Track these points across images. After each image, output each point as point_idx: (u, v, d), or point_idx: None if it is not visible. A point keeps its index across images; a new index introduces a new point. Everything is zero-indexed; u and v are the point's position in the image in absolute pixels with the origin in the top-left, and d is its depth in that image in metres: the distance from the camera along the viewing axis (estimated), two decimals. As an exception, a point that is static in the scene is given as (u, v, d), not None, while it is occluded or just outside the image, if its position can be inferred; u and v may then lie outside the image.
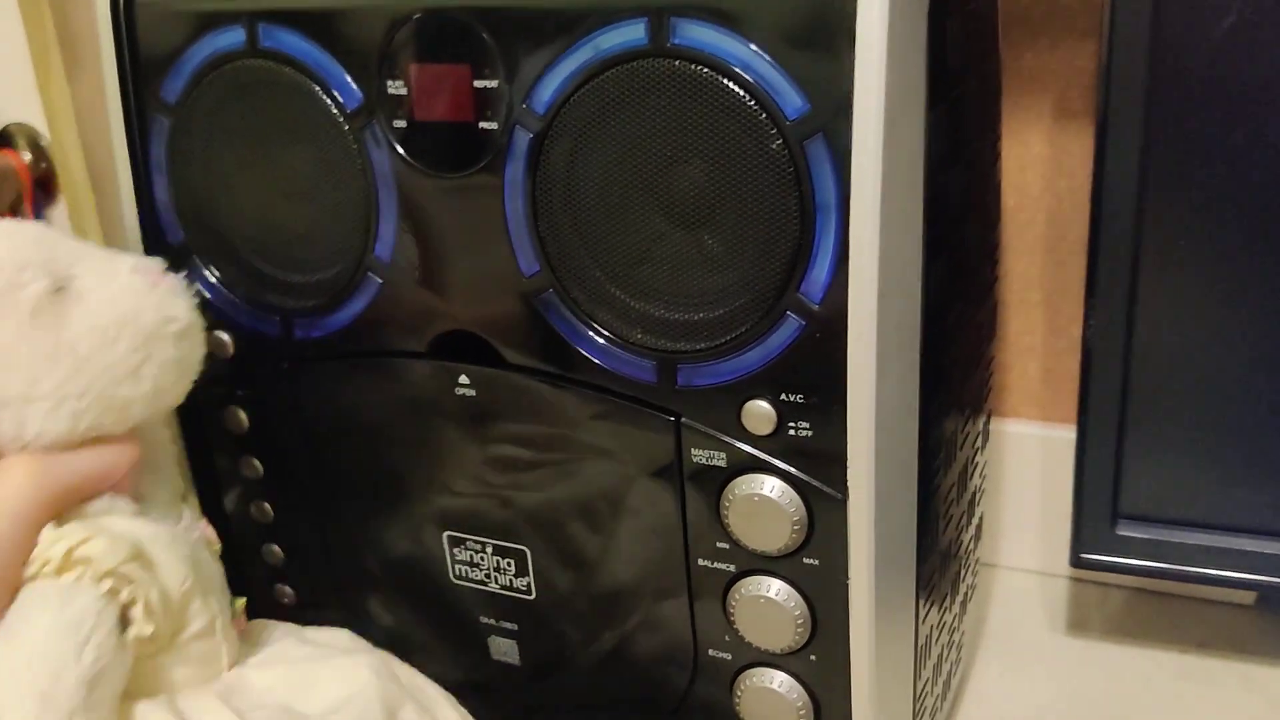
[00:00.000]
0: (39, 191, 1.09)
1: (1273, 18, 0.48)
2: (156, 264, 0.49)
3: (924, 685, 0.53)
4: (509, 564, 0.54)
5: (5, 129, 1.10)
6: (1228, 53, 0.49)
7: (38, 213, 1.10)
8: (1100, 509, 0.59)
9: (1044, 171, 0.69)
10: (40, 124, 1.06)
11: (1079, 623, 0.71)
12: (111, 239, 0.66)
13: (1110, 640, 0.69)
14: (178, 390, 0.49)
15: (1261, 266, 0.52)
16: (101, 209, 0.69)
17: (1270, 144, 0.50)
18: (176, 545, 0.46)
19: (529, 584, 0.54)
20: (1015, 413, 0.75)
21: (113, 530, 0.44)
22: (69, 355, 0.44)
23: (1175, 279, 0.54)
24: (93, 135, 0.66)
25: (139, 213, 0.56)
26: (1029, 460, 0.74)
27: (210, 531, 0.52)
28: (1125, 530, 0.59)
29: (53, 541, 0.43)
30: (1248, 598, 0.71)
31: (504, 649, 0.56)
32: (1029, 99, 0.68)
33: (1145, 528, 0.59)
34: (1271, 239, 0.51)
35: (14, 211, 1.08)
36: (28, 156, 1.07)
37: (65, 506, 0.45)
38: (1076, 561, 0.60)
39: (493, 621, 0.56)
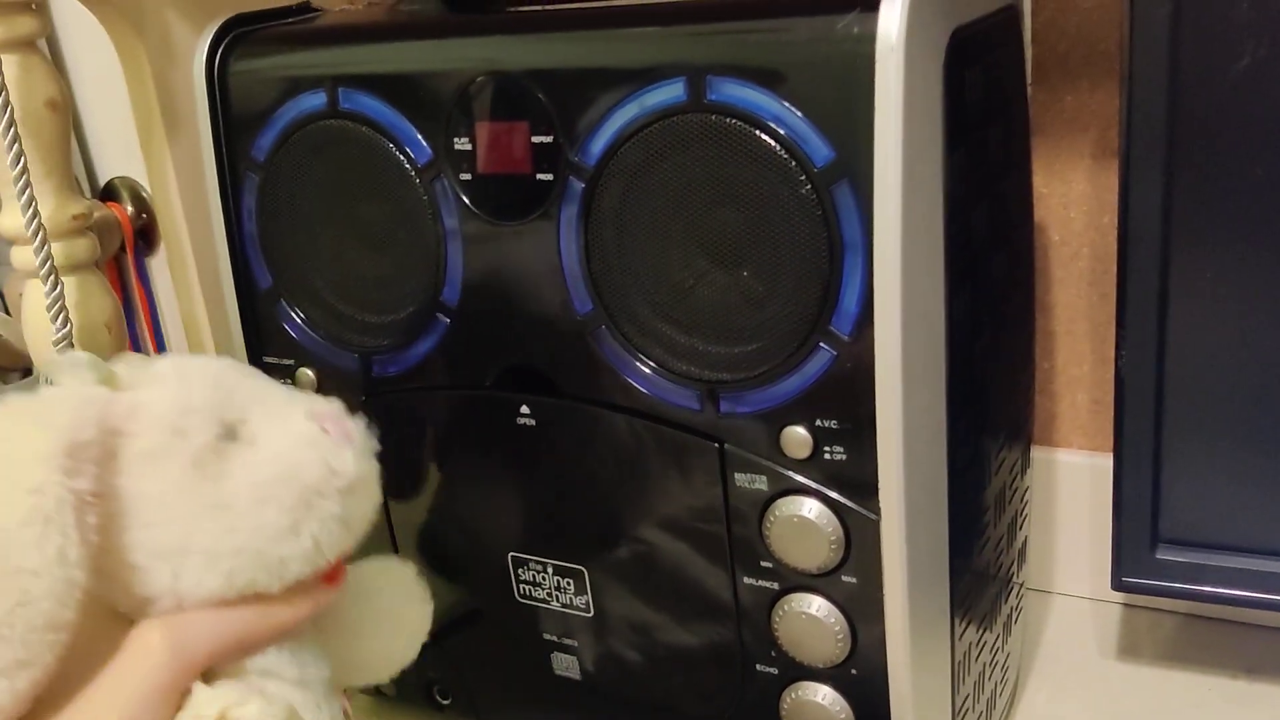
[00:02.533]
0: (140, 241, 1.17)
1: (1286, 60, 0.50)
2: (334, 407, 0.47)
3: (964, 701, 0.55)
4: (569, 583, 0.57)
5: (110, 183, 1.17)
6: (1244, 92, 0.51)
7: (139, 261, 1.17)
8: (1139, 533, 0.61)
9: (1087, 208, 0.72)
10: (142, 179, 1.13)
11: (1130, 648, 0.73)
12: (207, 285, 0.72)
13: (1161, 665, 0.71)
14: (342, 546, 0.46)
15: (1288, 295, 0.54)
16: (198, 257, 0.74)
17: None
18: (323, 716, 0.46)
19: (587, 602, 0.57)
20: (1065, 442, 0.77)
21: (268, 693, 0.43)
22: (226, 510, 0.42)
23: (1203, 310, 0.56)
24: (190, 189, 0.71)
25: (231, 260, 0.61)
26: (1079, 488, 0.76)
27: (348, 704, 0.52)
28: (1165, 554, 0.61)
29: (207, 701, 0.41)
30: (1299, 623, 0.71)
31: (565, 664, 0.60)
32: (1070, 139, 0.70)
33: (1185, 551, 0.61)
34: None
35: (117, 260, 1.16)
36: (130, 209, 1.15)
37: (217, 665, 0.43)
38: (1118, 585, 0.62)
39: (554, 638, 0.59)
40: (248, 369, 0.48)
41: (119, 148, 1.16)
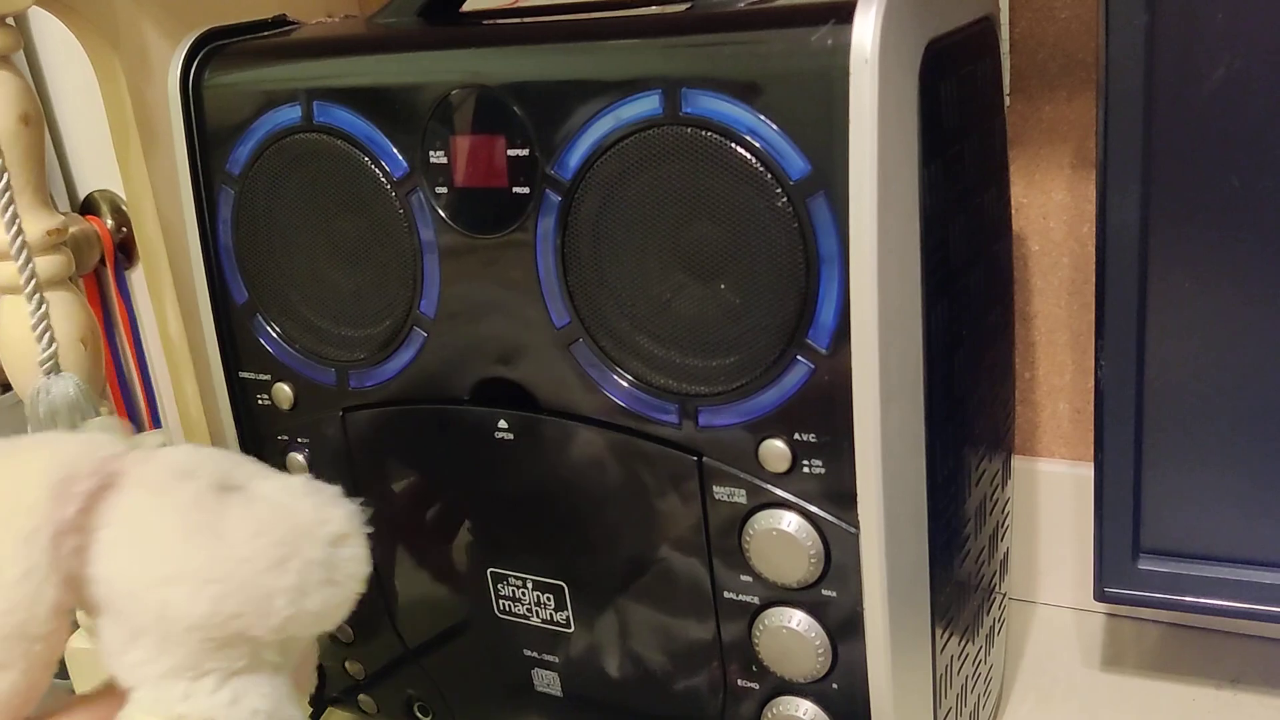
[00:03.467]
0: (120, 255, 1.16)
1: (1262, 66, 0.50)
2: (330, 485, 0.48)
3: (946, 714, 0.55)
4: (549, 599, 0.57)
5: (89, 196, 1.17)
6: (1220, 103, 0.52)
7: (119, 275, 1.16)
8: (1121, 544, 0.61)
9: (1066, 218, 0.72)
10: (121, 192, 1.12)
11: (1114, 658, 0.72)
12: (185, 300, 0.71)
13: (1145, 675, 0.70)
14: (323, 598, 0.45)
15: (1264, 306, 0.54)
16: (175, 272, 0.73)
17: (1265, 186, 0.52)
18: None
19: (568, 618, 0.57)
20: (1047, 452, 0.77)
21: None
22: (219, 540, 0.43)
23: (1182, 318, 0.56)
24: (167, 203, 0.71)
25: (207, 274, 0.61)
26: (1061, 498, 0.76)
27: None
28: (1147, 565, 0.61)
29: None
30: (1282, 632, 0.71)
31: (547, 681, 0.59)
32: (1048, 150, 0.71)
33: (1167, 562, 0.61)
34: (1272, 276, 0.53)
35: (97, 274, 1.15)
36: (110, 222, 1.14)
37: None
38: (1100, 596, 0.62)
39: (535, 654, 0.59)
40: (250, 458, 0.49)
41: (99, 161, 1.15)
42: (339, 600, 0.46)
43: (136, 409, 1.22)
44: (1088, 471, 0.74)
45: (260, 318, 0.60)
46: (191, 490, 0.43)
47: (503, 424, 0.54)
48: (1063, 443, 0.76)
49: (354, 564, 0.46)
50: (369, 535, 0.46)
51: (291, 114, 0.55)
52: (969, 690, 0.59)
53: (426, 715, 0.66)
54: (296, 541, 0.44)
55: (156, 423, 1.21)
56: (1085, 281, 0.72)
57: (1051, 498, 0.76)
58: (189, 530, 0.42)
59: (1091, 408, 0.75)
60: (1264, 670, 0.69)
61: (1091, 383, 0.75)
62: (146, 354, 1.19)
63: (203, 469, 0.44)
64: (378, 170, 0.53)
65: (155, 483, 0.43)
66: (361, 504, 0.46)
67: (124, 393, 1.22)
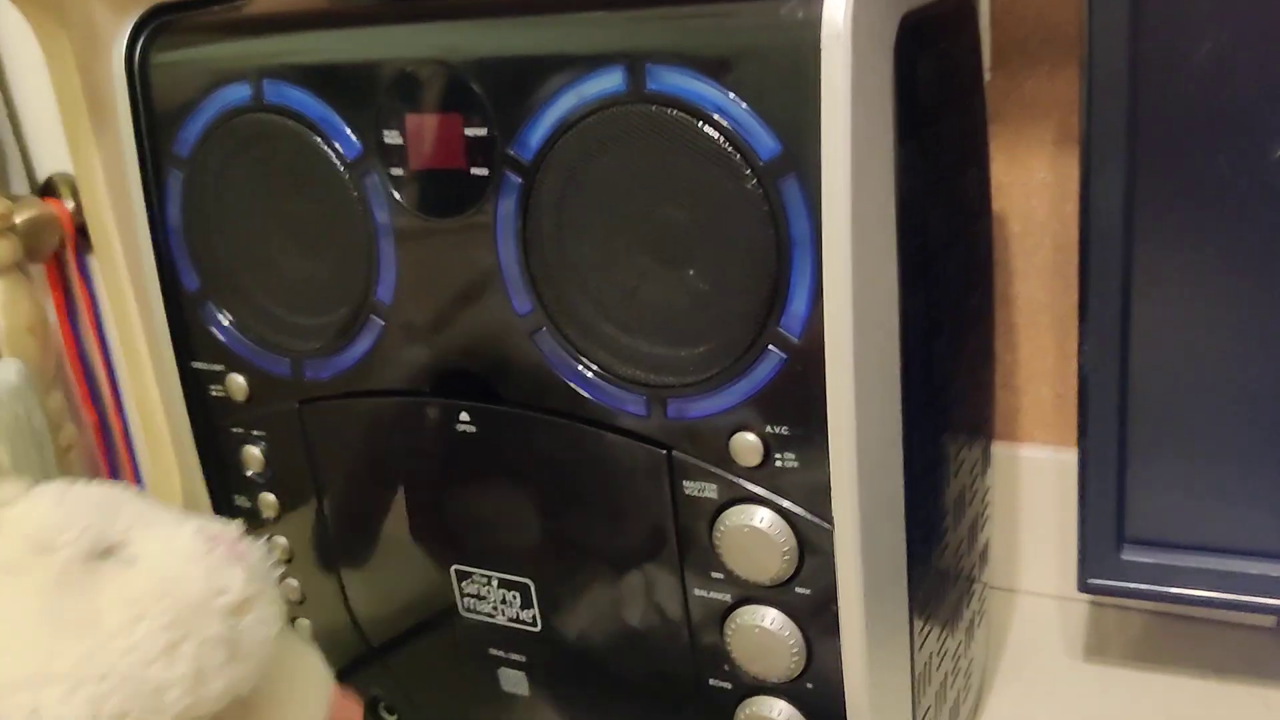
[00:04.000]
0: (82, 239, 1.13)
1: (1249, 42, 0.48)
2: (228, 529, 0.43)
3: (926, 712, 0.53)
4: (514, 596, 0.55)
5: (49, 179, 1.14)
6: (1207, 77, 0.49)
7: (80, 259, 1.13)
8: (1105, 534, 0.59)
9: (1048, 197, 0.70)
10: (79, 175, 1.09)
11: (1097, 648, 0.71)
12: (139, 287, 0.69)
13: (1129, 665, 0.69)
14: (230, 677, 0.41)
15: (1254, 285, 0.52)
16: (128, 257, 0.71)
17: (1253, 165, 0.50)
18: None
19: (534, 616, 0.55)
20: (1029, 437, 0.75)
21: None
22: (92, 630, 0.38)
23: (1169, 301, 0.54)
24: (118, 186, 0.69)
25: (156, 261, 0.58)
26: (1043, 484, 0.74)
27: None
28: (1131, 555, 0.59)
29: None
30: (1268, 621, 0.70)
31: (514, 680, 0.57)
32: (1030, 126, 0.68)
33: (1151, 552, 0.59)
34: (1260, 258, 0.52)
35: (58, 257, 1.12)
36: (70, 204, 1.11)
37: None
38: (1084, 587, 0.60)
39: (502, 653, 0.57)
40: (140, 495, 0.44)
41: (58, 143, 1.12)
42: (245, 674, 0.41)
43: (101, 397, 1.19)
44: (1070, 457, 0.72)
45: (212, 305, 0.57)
46: (55, 566, 0.38)
47: (464, 416, 0.52)
48: (1045, 428, 0.74)
49: (261, 629, 0.42)
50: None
51: (241, 93, 0.53)
52: (948, 686, 0.57)
53: (392, 715, 0.64)
54: (188, 621, 0.39)
55: (121, 412, 1.18)
56: (1068, 263, 0.70)
57: (1033, 484, 0.75)
58: (55, 619, 0.37)
59: (1074, 392, 0.73)
60: (1249, 660, 0.68)
61: (1074, 366, 0.73)
62: (110, 341, 1.17)
63: (69, 529, 0.39)
64: (330, 151, 0.51)
65: (9, 559, 0.38)
66: (268, 540, 0.42)
67: (88, 380, 1.19)
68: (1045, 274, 0.71)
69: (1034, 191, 0.70)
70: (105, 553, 0.40)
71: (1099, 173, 0.52)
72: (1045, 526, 0.75)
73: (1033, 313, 0.72)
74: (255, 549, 0.43)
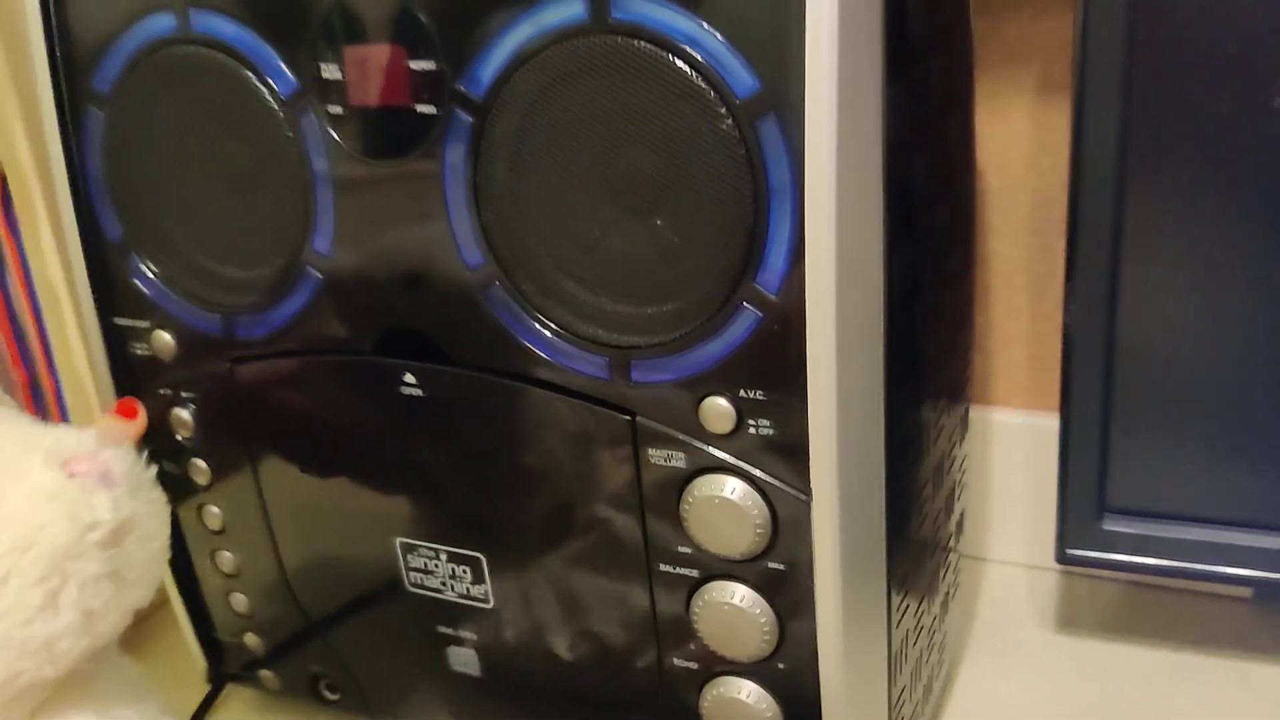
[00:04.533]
0: (7, 189, 1.07)
1: (1258, -18, 0.45)
2: (83, 441, 0.40)
3: (901, 691, 0.50)
4: (464, 571, 0.51)
5: (-32, 125, 1.07)
6: (1211, 14, 0.46)
7: (7, 208, 1.07)
8: (1086, 503, 0.56)
9: (1027, 149, 0.66)
10: None
11: (1070, 619, 0.69)
12: (59, 236, 0.64)
13: (1102, 637, 0.67)
14: (123, 604, 0.39)
15: (1251, 245, 0.50)
16: (49, 207, 0.66)
17: (1258, 112, 0.47)
18: None
19: (486, 592, 0.51)
20: (1001, 401, 0.72)
21: None
22: None
23: (1159, 260, 0.51)
24: (35, 130, 0.63)
25: (75, 208, 0.53)
26: (1016, 450, 0.72)
27: None
28: (1112, 525, 0.57)
29: None
30: (1244, 592, 0.68)
31: (464, 659, 0.54)
32: (1010, 73, 0.65)
33: (1133, 522, 0.56)
34: (1261, 215, 0.49)
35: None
36: (-7, 152, 1.05)
37: None
38: (1062, 558, 0.58)
39: (450, 631, 0.53)
40: None
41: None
42: (139, 596, 0.39)
43: (31, 354, 1.14)
44: (1044, 421, 0.70)
45: (136, 257, 0.53)
46: None
47: (409, 378, 0.48)
48: (1018, 391, 0.72)
49: (145, 547, 0.39)
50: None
51: (165, 23, 0.48)
52: (923, 663, 0.54)
53: (335, 693, 0.60)
54: (62, 567, 0.36)
55: (52, 369, 1.13)
56: (1046, 220, 0.67)
57: (1006, 449, 0.72)
58: None
59: (1049, 354, 0.71)
60: (1225, 631, 0.66)
61: (1050, 328, 0.70)
62: (39, 297, 1.11)
63: None
64: (263, 87, 0.47)
65: None
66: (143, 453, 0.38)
67: (16, 337, 1.13)
68: (1022, 231, 0.68)
69: (1012, 143, 0.67)
70: None
71: (1091, 120, 0.49)
72: (1017, 493, 0.72)
73: (1008, 273, 0.70)
74: (118, 456, 0.39)
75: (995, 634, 0.67)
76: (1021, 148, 0.66)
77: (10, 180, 0.68)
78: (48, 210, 0.66)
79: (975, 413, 0.71)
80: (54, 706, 0.40)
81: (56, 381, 1.09)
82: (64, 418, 1.04)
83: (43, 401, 1.07)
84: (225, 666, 0.63)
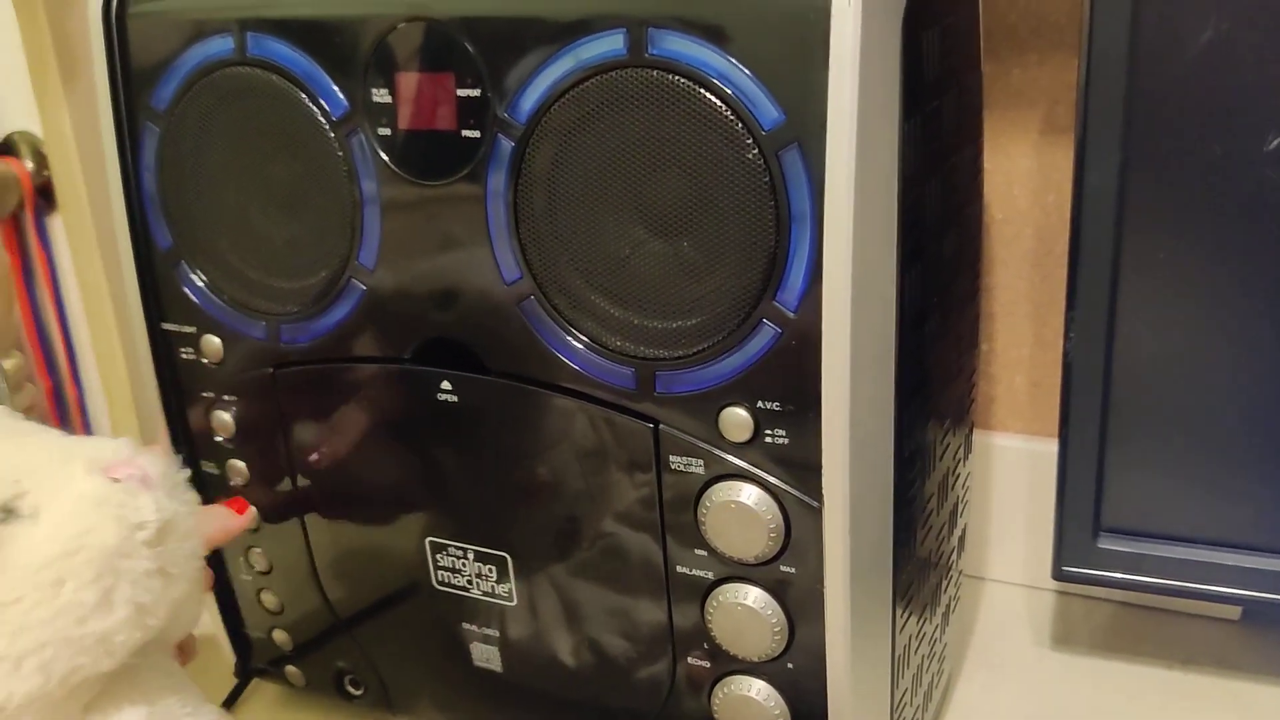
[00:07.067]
0: (41, 199, 1.10)
1: (1249, 32, 0.48)
2: (120, 449, 0.42)
3: (902, 695, 0.53)
4: (490, 570, 0.54)
5: (8, 137, 1.11)
6: (1205, 67, 0.49)
7: (39, 220, 1.10)
8: (1082, 522, 0.59)
9: (1031, 186, 0.70)
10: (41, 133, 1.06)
11: (1064, 637, 0.71)
12: (106, 246, 0.67)
13: (1095, 655, 0.69)
14: (171, 598, 0.41)
15: (1242, 279, 0.52)
16: (96, 216, 0.69)
17: (1248, 157, 0.50)
18: None
19: (510, 590, 0.54)
20: (1003, 426, 0.75)
21: None
22: (14, 606, 0.38)
23: (1156, 292, 0.54)
24: (88, 143, 0.67)
25: (129, 218, 0.56)
26: (1016, 473, 0.74)
27: None
28: (1107, 543, 0.59)
29: None
30: (1234, 613, 0.70)
31: (486, 655, 0.56)
32: (1016, 114, 0.68)
33: (1127, 541, 0.59)
34: (1251, 252, 0.52)
35: (16, 218, 1.09)
36: (30, 164, 1.08)
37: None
38: (1058, 574, 0.60)
39: (474, 628, 0.56)
40: (16, 424, 0.42)
41: (18, 100, 1.09)
42: (185, 590, 0.41)
43: (56, 362, 1.16)
44: (1043, 446, 0.72)
45: (185, 265, 0.56)
46: None
47: (446, 385, 0.51)
48: (1018, 417, 0.74)
49: (185, 546, 0.42)
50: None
51: (223, 46, 0.51)
52: (925, 670, 0.57)
53: (358, 689, 0.62)
54: (115, 568, 0.38)
55: (76, 378, 1.16)
56: (1048, 253, 0.70)
57: (1006, 473, 0.75)
58: None
59: (1050, 382, 0.73)
60: (1215, 651, 0.68)
61: (1051, 357, 0.73)
62: (67, 304, 1.14)
63: None
64: (315, 109, 0.50)
65: None
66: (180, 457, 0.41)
67: (43, 345, 1.16)
68: (1025, 263, 0.71)
69: (1017, 179, 0.70)
70: (6, 512, 0.39)
71: (1093, 158, 0.52)
72: (1016, 515, 0.75)
73: (1011, 302, 0.72)
74: (154, 461, 0.42)
75: (992, 648, 0.70)
76: (1026, 184, 0.70)
77: (59, 191, 0.71)
78: (96, 221, 0.69)
79: (977, 437, 0.74)
80: (106, 700, 0.42)
81: (80, 389, 1.12)
82: (86, 424, 1.07)
83: (65, 408, 1.10)
84: (252, 662, 0.65)
